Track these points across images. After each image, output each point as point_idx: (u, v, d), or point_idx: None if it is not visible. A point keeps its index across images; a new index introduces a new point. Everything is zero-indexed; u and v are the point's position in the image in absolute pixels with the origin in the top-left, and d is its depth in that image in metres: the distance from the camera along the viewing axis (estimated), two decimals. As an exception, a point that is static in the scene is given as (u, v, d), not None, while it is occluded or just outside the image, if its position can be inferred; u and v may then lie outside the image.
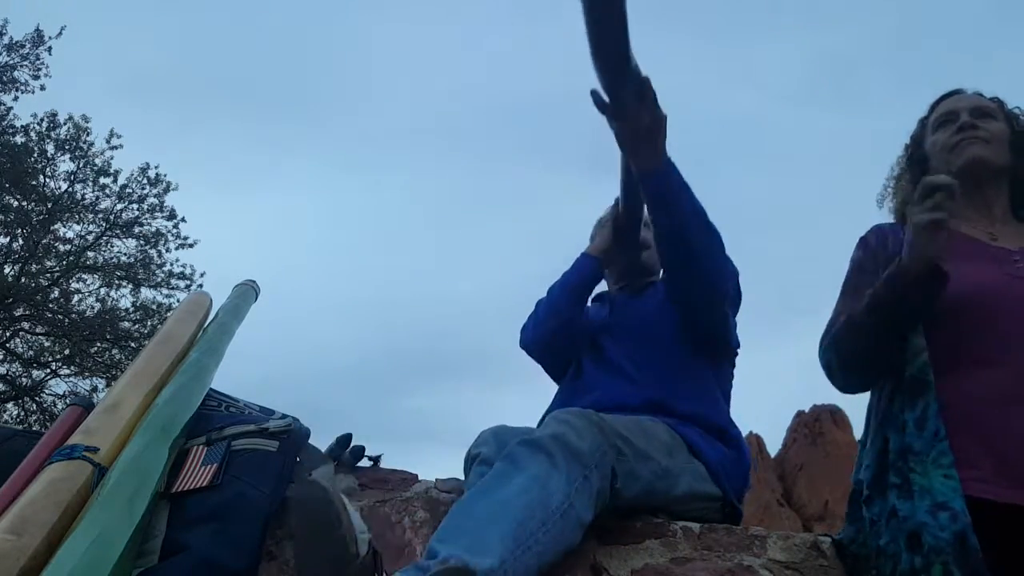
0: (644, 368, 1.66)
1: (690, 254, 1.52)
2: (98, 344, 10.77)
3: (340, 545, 0.94)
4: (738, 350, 1.80)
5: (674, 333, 1.68)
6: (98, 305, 11.02)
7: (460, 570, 0.98)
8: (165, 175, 11.32)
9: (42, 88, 10.60)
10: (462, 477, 1.58)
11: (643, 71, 1.38)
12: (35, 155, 10.63)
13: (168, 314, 8.63)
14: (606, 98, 1.40)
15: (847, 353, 1.41)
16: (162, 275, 11.21)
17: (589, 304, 1.98)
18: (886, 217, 1.66)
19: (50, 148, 10.75)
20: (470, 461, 1.52)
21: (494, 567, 1.04)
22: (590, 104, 1.53)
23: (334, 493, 1.00)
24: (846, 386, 1.48)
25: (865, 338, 1.37)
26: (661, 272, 1.87)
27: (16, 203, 10.54)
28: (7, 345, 10.62)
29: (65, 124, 10.79)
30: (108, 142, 10.95)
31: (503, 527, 1.10)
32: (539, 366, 1.96)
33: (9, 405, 10.70)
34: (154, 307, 10.96)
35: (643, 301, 1.82)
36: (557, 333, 1.80)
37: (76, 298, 11.04)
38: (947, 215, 1.26)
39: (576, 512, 1.19)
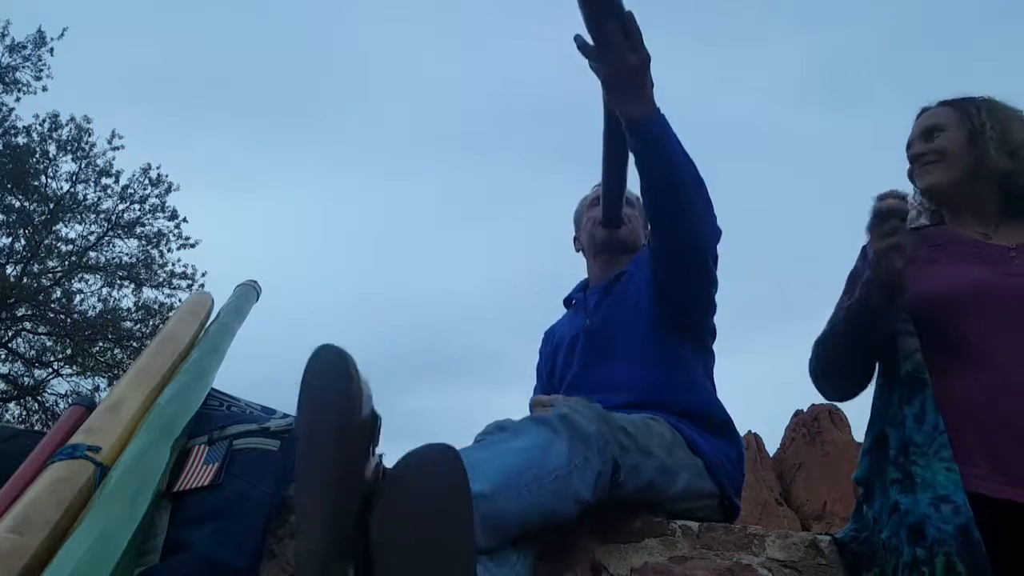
0: (629, 372, 1.65)
1: (679, 204, 1.49)
2: (100, 344, 10.80)
3: (347, 403, 0.92)
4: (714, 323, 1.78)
5: (654, 321, 1.66)
6: (100, 305, 11.06)
7: (447, 448, 0.96)
8: (167, 175, 11.38)
9: (44, 89, 10.66)
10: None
11: (626, 6, 1.36)
12: (37, 156, 10.67)
13: (170, 314, 8.65)
14: (590, 40, 1.38)
15: (827, 361, 1.49)
16: (164, 275, 11.26)
17: (562, 316, 1.99)
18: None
19: (52, 149, 10.80)
20: None
21: (485, 491, 1.03)
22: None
23: (349, 354, 0.97)
24: (831, 393, 1.54)
25: (842, 349, 1.45)
26: (639, 248, 1.87)
27: (18, 204, 10.57)
28: (9, 345, 10.64)
29: (67, 125, 10.84)
30: (110, 143, 11.01)
31: (499, 466, 1.10)
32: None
33: (11, 404, 10.73)
34: (156, 307, 11.00)
35: (618, 296, 1.79)
36: None
37: (78, 298, 11.08)
38: (904, 239, 1.28)
39: (574, 485, 1.18)
